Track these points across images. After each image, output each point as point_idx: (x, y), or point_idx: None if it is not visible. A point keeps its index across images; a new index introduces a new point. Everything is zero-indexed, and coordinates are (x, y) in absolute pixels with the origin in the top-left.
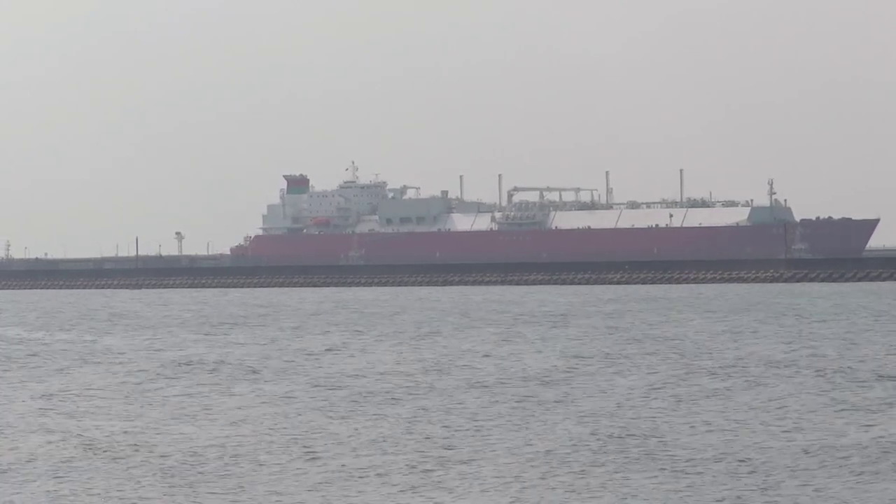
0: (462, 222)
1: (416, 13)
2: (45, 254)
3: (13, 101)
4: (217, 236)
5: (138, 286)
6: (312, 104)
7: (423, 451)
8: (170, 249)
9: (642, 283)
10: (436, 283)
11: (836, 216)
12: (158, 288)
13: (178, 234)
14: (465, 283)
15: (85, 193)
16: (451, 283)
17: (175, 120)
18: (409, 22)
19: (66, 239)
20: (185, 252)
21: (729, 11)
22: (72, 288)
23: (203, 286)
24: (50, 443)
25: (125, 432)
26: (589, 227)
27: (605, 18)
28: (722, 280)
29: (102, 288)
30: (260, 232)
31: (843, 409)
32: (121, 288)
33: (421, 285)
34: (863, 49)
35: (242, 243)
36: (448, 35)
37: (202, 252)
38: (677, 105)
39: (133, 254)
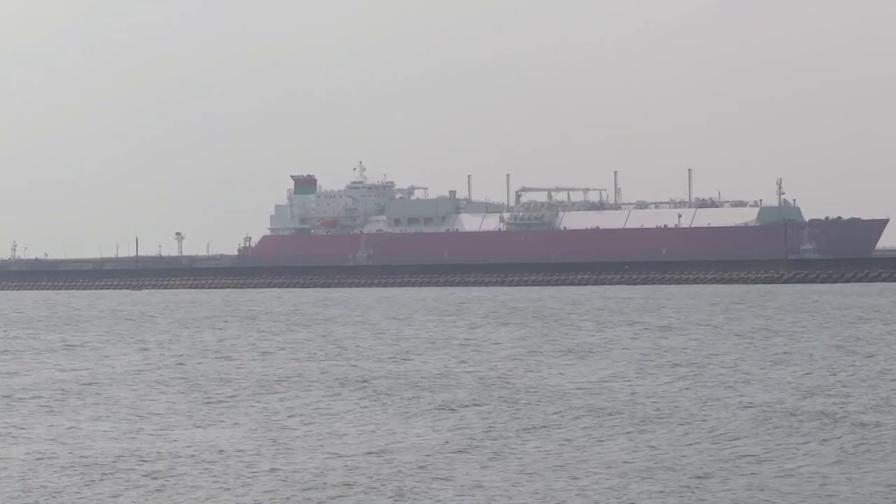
0: (470, 223)
1: (422, 12)
2: (46, 254)
3: (13, 101)
4: (217, 237)
5: (138, 287)
6: (320, 104)
7: None
8: (170, 250)
9: (643, 284)
10: (438, 284)
11: (845, 216)
12: (158, 288)
13: (178, 234)
14: (467, 284)
15: (85, 193)
16: (453, 284)
17: (178, 120)
18: (416, 21)
19: (66, 239)
20: (186, 252)
21: (736, 10)
22: (72, 288)
23: (203, 287)
24: None
25: None
26: (597, 228)
27: (612, 18)
28: (722, 281)
29: (103, 288)
30: (267, 232)
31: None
32: (121, 288)
33: (423, 286)
34: (873, 47)
35: (243, 244)
36: (455, 34)
37: (202, 252)
38: (686, 104)
39: (133, 254)
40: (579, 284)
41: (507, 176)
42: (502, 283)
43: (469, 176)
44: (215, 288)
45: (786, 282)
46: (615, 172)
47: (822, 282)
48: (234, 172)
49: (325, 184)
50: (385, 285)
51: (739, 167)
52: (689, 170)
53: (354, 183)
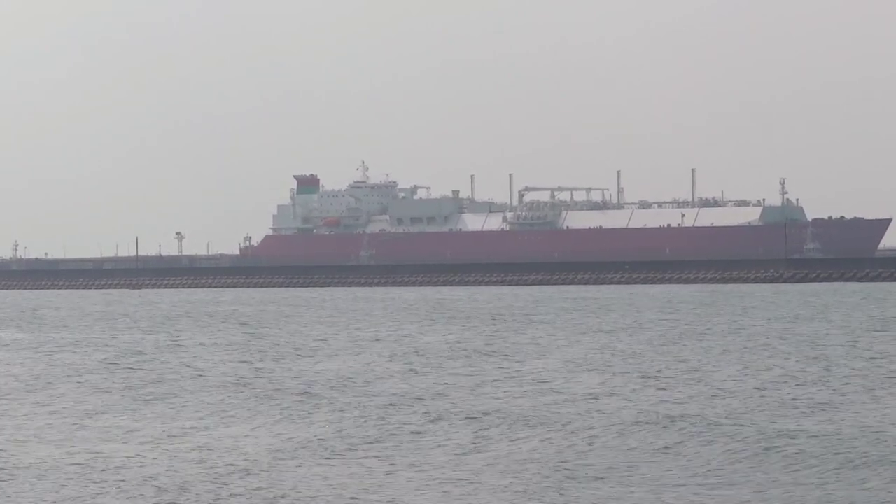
0: (473, 222)
1: (422, 12)
2: (46, 254)
3: (13, 101)
4: (217, 237)
5: (138, 286)
6: (320, 104)
7: None
8: (170, 250)
9: (642, 284)
10: (439, 284)
11: (848, 216)
12: (158, 288)
13: (178, 234)
14: (468, 284)
15: (85, 193)
16: (454, 284)
17: (178, 119)
18: (416, 21)
19: (66, 239)
20: (186, 252)
21: (736, 10)
22: (72, 288)
23: (203, 286)
24: None
25: None
26: (601, 227)
27: (612, 18)
28: (722, 280)
29: (103, 288)
30: (269, 231)
31: None
32: (121, 288)
33: (424, 285)
34: (876, 47)
35: (243, 243)
36: (457, 34)
37: (203, 252)
38: (689, 104)
39: (133, 254)
40: (580, 284)
41: (510, 176)
42: (503, 283)
43: (472, 176)
44: (215, 287)
45: (786, 281)
46: (618, 172)
47: (823, 281)
48: (234, 172)
49: (328, 183)
50: (386, 285)
51: (742, 167)
52: (693, 169)
53: (357, 182)
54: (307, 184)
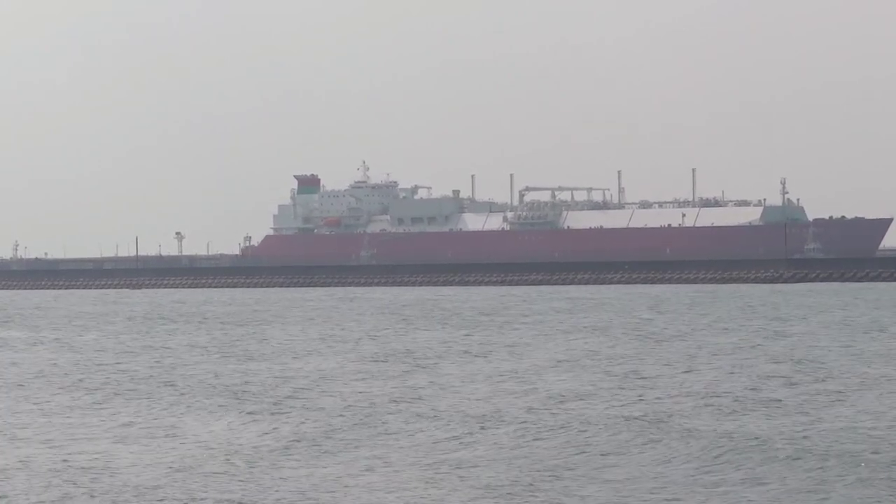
0: (474, 222)
1: (422, 12)
2: (46, 254)
3: (13, 101)
4: (218, 237)
5: (138, 286)
6: (321, 104)
7: None
8: (170, 250)
9: (642, 284)
10: (439, 284)
11: (849, 216)
12: (158, 288)
13: (178, 234)
14: (468, 284)
15: (85, 193)
16: (454, 284)
17: (178, 119)
18: (416, 21)
19: (66, 239)
20: (186, 252)
21: (736, 10)
22: (72, 288)
23: (203, 286)
24: None
25: None
26: (601, 227)
27: (612, 18)
28: (722, 280)
29: (103, 288)
30: (269, 231)
31: None
32: (121, 288)
33: (425, 285)
34: (876, 47)
35: (243, 243)
36: (458, 34)
37: (203, 252)
38: (689, 104)
39: (133, 254)
40: (580, 284)
41: (511, 175)
42: (503, 283)
43: (472, 175)
44: (215, 287)
45: (786, 281)
46: (619, 172)
47: (823, 281)
48: (234, 172)
49: (329, 183)
50: (387, 285)
51: (743, 167)
52: (693, 169)
53: (358, 182)
54: (308, 184)
